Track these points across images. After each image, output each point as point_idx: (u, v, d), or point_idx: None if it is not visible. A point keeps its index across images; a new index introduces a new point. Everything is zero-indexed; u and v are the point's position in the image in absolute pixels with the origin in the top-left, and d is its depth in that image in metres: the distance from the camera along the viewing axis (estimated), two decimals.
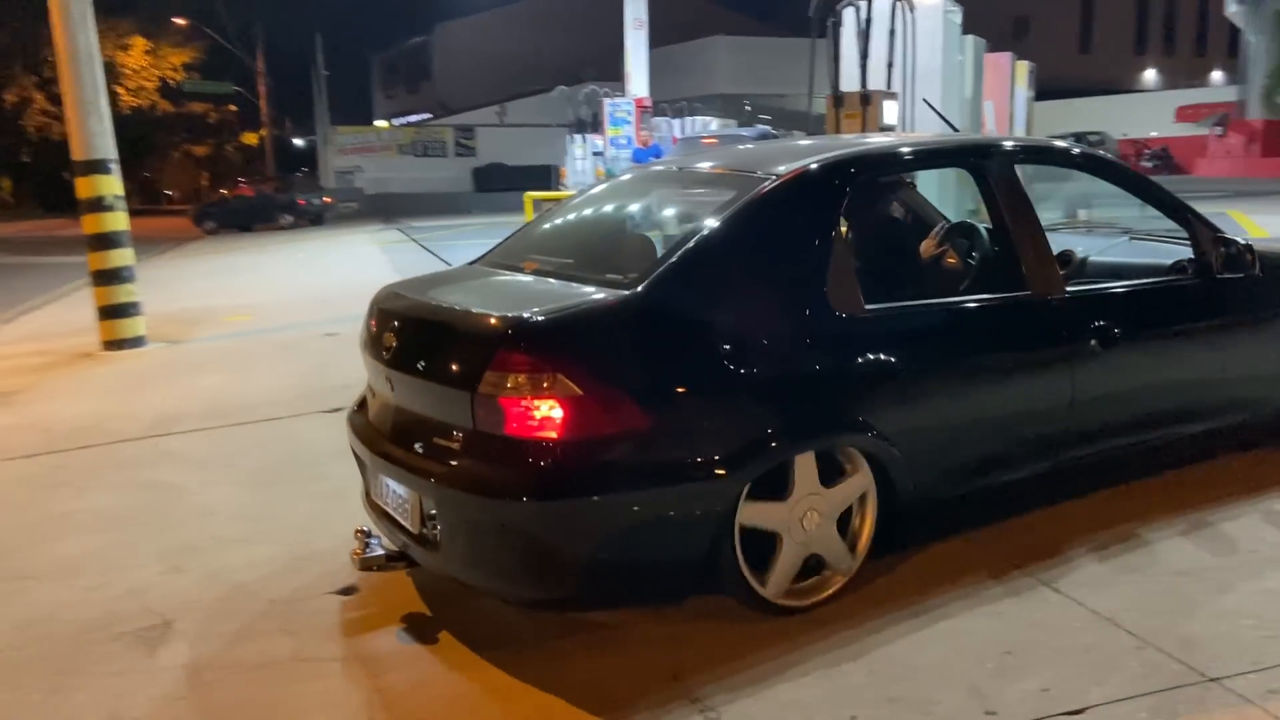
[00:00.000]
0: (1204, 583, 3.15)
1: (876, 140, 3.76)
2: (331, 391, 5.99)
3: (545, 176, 20.16)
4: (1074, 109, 36.99)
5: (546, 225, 3.93)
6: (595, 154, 18.48)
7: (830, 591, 3.06)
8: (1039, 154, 3.96)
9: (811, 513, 2.96)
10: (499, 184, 31.81)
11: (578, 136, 18.67)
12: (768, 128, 26.78)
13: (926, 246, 3.89)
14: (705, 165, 3.82)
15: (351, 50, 50.05)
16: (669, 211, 3.77)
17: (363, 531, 3.30)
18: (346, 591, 3.35)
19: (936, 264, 3.84)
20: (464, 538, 2.82)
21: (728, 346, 2.82)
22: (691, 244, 2.94)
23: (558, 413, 2.62)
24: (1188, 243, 3.87)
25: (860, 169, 3.34)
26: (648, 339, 2.80)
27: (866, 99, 8.37)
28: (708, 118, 32.22)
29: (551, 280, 3.24)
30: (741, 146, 4.57)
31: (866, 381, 3.03)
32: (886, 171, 3.78)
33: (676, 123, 25.55)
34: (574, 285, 3.04)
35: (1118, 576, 3.20)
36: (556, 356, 2.66)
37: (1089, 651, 2.77)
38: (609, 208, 4.00)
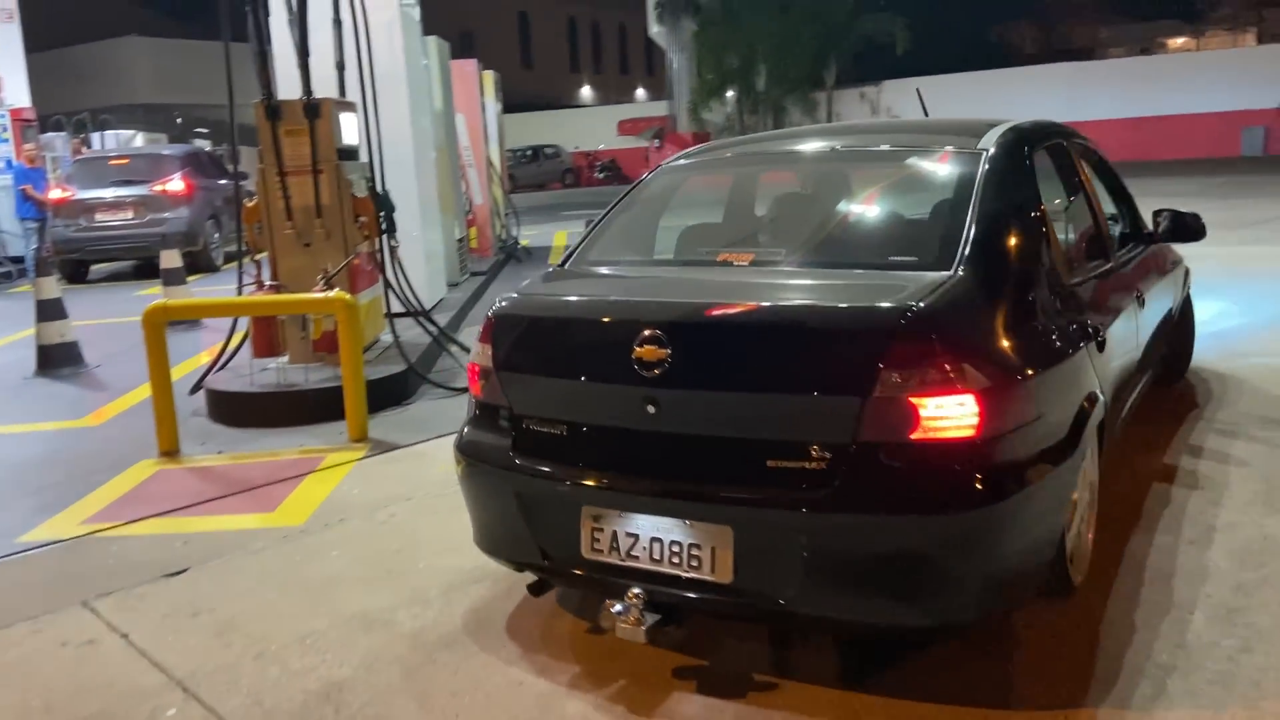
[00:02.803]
0: None
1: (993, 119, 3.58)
2: None
3: None
4: (527, 122, 37.60)
5: (690, 220, 3.85)
6: None
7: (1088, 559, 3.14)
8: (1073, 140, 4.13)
9: (1087, 485, 3.05)
10: None
11: None
12: (204, 144, 23.14)
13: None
14: (852, 145, 3.82)
15: None
16: (872, 191, 3.64)
17: (637, 594, 2.58)
18: None
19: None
20: (848, 569, 2.46)
21: (1038, 323, 2.82)
22: (972, 221, 2.86)
23: (973, 408, 2.39)
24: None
25: (1043, 138, 3.54)
26: (1008, 321, 2.68)
27: (314, 109, 6.12)
28: (131, 131, 27.43)
29: (810, 269, 3.09)
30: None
31: (1098, 344, 3.08)
32: (1050, 143, 3.69)
33: (94, 137, 21.16)
34: (856, 271, 2.95)
35: None
36: (964, 345, 2.48)
37: None
38: (763, 193, 3.97)
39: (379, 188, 6.75)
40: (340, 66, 6.72)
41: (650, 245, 3.60)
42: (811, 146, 3.88)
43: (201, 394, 6.10)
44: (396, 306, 6.79)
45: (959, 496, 2.39)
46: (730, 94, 33.12)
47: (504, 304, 3.10)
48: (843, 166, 3.80)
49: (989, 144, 3.20)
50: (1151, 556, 3.32)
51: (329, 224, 6.23)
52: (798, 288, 2.97)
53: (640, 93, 66.72)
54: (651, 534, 2.64)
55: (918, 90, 5.92)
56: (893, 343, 2.42)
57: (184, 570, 3.74)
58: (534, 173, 35.59)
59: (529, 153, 35.86)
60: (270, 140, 6.10)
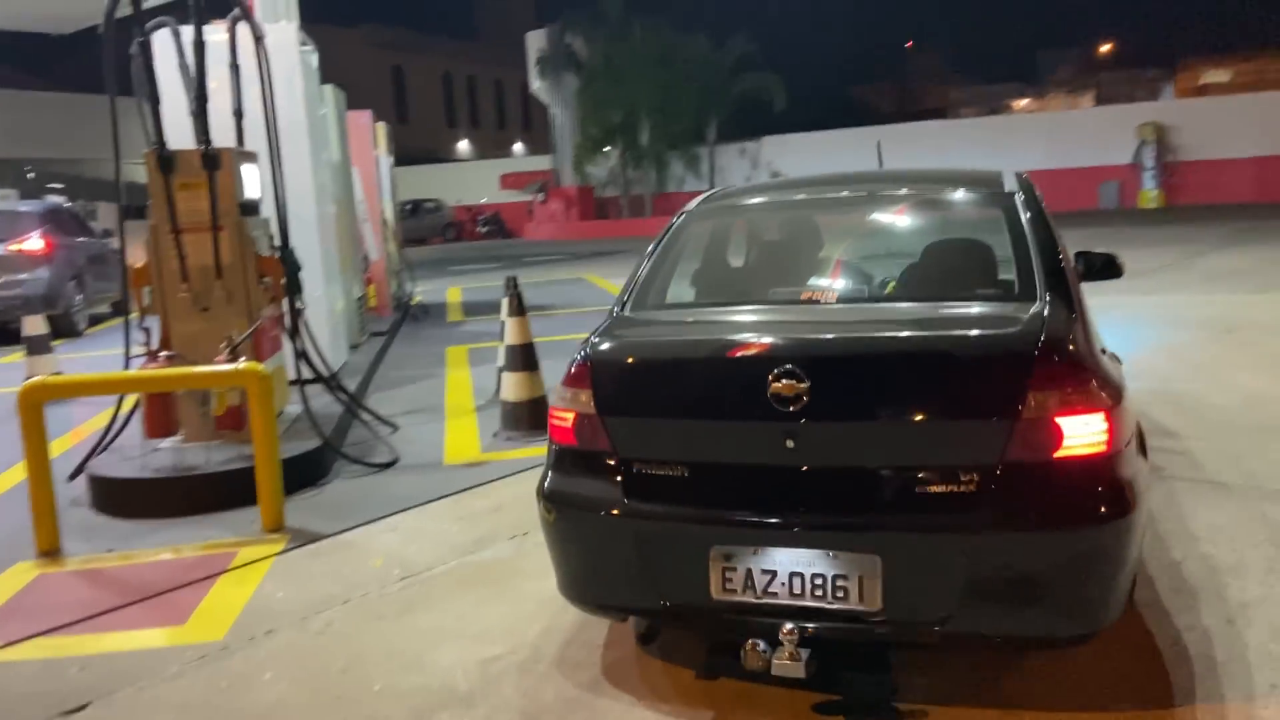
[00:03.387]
0: None
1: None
2: None
3: None
4: (406, 176, 36.69)
5: (741, 262, 3.99)
6: None
7: None
8: None
9: None
10: None
11: None
12: (59, 199, 21.68)
13: None
14: (889, 190, 3.98)
15: None
16: (925, 231, 3.88)
17: (791, 629, 2.58)
18: None
19: None
20: (1006, 586, 2.55)
21: (1103, 347, 2.99)
22: (1036, 255, 3.09)
23: (1103, 424, 2.56)
24: None
25: (1033, 185, 3.66)
26: (1094, 345, 2.85)
27: (214, 160, 5.54)
28: None
29: (903, 303, 3.32)
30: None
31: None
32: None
33: None
34: (953, 304, 3.10)
35: None
36: (1089, 367, 2.66)
37: None
38: (819, 238, 4.01)
39: (284, 245, 6.17)
40: (239, 114, 6.13)
41: (714, 286, 3.72)
42: (848, 192, 3.99)
43: (82, 480, 5.36)
44: (303, 372, 6.18)
45: (1103, 507, 2.54)
46: (611, 149, 33.20)
47: (601, 348, 3.02)
48: (887, 209, 4.01)
49: (1013, 188, 3.50)
50: (1189, 639, 3.08)
51: (231, 285, 5.62)
52: (914, 320, 3.04)
53: (518, 147, 66.69)
54: (791, 568, 2.63)
55: (878, 143, 6.06)
56: (1038, 366, 2.56)
57: (84, 706, 3.11)
58: (414, 227, 34.66)
59: (409, 207, 34.94)
60: (163, 194, 5.47)
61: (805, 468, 2.66)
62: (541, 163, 37.78)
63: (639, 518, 2.79)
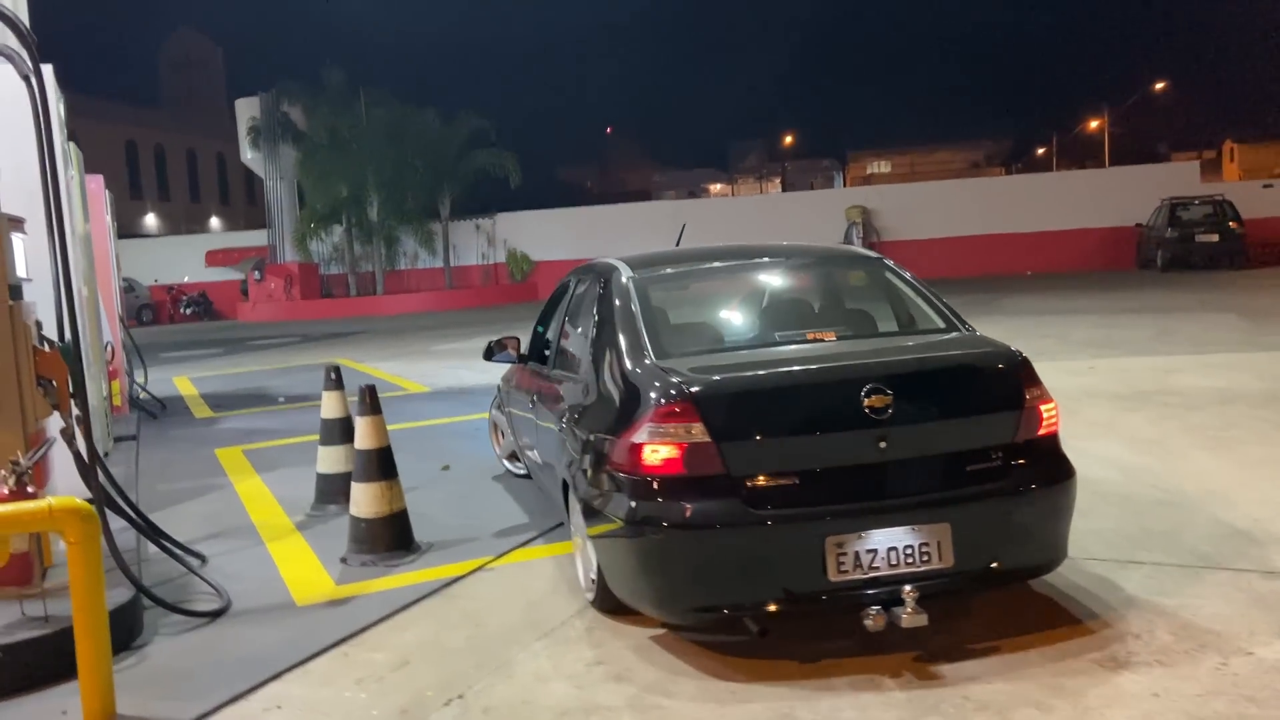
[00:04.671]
0: None
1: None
2: None
3: None
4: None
5: (711, 315, 4.78)
6: None
7: None
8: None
9: None
10: None
11: None
12: None
13: None
14: (799, 258, 4.94)
15: None
16: (839, 290, 4.83)
17: (910, 590, 3.33)
18: None
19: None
20: (1027, 530, 3.58)
21: None
22: (935, 297, 4.38)
23: (1055, 409, 3.74)
24: None
25: None
26: None
27: None
28: None
29: (887, 338, 4.32)
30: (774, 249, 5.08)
31: None
32: None
33: None
34: (923, 335, 4.26)
35: None
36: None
37: None
38: (774, 294, 4.80)
39: (74, 336, 4.83)
40: None
41: (707, 335, 4.43)
42: (766, 259, 4.95)
43: None
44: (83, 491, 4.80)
45: (1067, 466, 3.75)
46: (336, 224, 31.44)
47: (703, 386, 3.54)
48: (807, 272, 4.96)
49: (878, 254, 4.86)
50: None
51: (0, 392, 4.25)
52: (940, 344, 4.09)
53: (215, 221, 62.28)
54: (888, 545, 3.37)
55: (683, 225, 6.87)
56: (1024, 370, 3.74)
57: None
58: None
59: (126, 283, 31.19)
60: None
61: (893, 462, 3.45)
62: (255, 238, 35.05)
63: (762, 524, 3.36)
